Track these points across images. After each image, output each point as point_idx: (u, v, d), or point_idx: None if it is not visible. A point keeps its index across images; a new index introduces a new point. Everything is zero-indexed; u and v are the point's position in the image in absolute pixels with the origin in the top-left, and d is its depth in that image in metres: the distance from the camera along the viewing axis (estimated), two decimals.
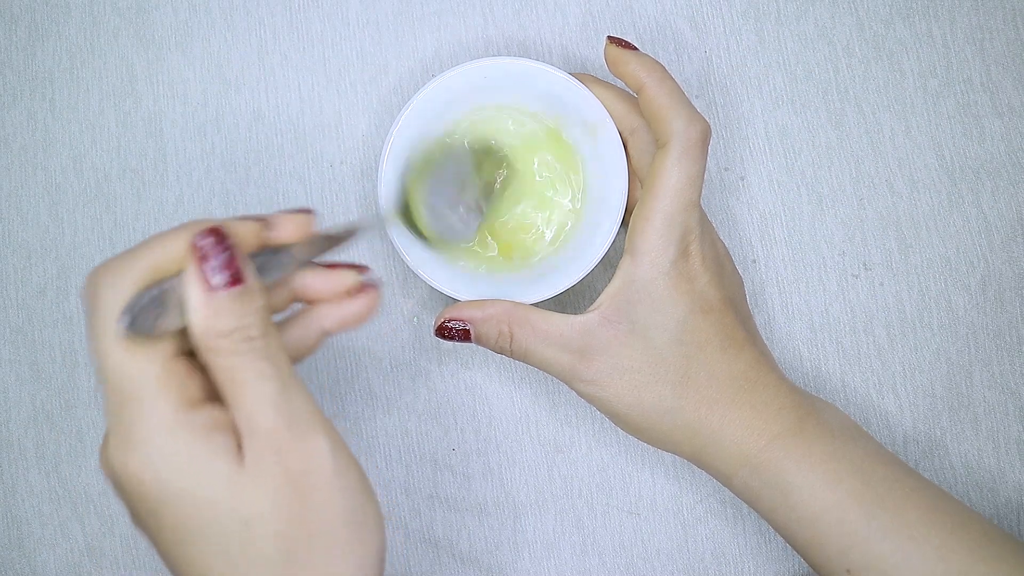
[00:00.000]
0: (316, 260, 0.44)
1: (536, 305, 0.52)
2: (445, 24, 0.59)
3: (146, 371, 0.38)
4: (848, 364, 0.58)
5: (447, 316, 0.52)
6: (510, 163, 0.54)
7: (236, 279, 0.38)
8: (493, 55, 0.59)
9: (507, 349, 0.51)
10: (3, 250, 0.59)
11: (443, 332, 0.52)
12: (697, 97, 0.59)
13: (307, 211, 0.43)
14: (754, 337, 0.52)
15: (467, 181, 0.53)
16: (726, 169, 0.59)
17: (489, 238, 0.54)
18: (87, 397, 0.58)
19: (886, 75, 0.59)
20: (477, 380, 0.58)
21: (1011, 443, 0.57)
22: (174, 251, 0.39)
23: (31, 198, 0.59)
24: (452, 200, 0.53)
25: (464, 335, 0.52)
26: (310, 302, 0.44)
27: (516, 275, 0.53)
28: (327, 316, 0.44)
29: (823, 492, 0.48)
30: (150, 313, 0.38)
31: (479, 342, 0.52)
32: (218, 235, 0.39)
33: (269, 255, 0.42)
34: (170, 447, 0.37)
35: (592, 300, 0.57)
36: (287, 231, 0.42)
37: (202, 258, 0.38)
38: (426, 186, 0.52)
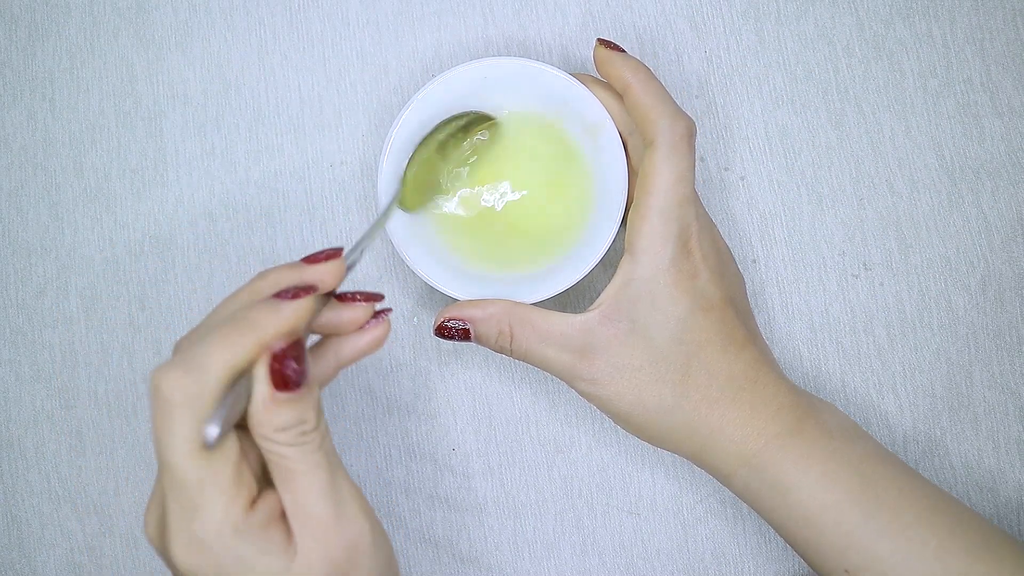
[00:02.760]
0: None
1: (536, 305, 0.52)
2: (445, 24, 0.59)
3: (219, 477, 0.39)
4: (848, 364, 0.58)
5: (447, 316, 0.52)
6: (498, 128, 0.54)
7: (302, 380, 0.40)
8: (493, 55, 0.59)
9: (507, 348, 0.51)
10: (3, 250, 0.59)
11: (443, 332, 0.52)
12: (697, 97, 0.59)
13: (336, 254, 0.44)
14: (755, 336, 0.52)
15: (450, 142, 0.53)
16: (726, 169, 0.59)
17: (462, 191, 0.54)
18: (87, 397, 0.58)
19: (886, 75, 0.59)
20: (477, 380, 0.58)
21: (1011, 443, 0.57)
22: (249, 350, 0.40)
23: (31, 198, 0.59)
24: (436, 164, 0.53)
25: (464, 335, 0.52)
26: (326, 335, 0.45)
27: (516, 275, 0.53)
28: (343, 348, 0.45)
29: (821, 492, 0.48)
30: (222, 412, 0.39)
31: (479, 342, 0.52)
32: (296, 345, 0.40)
33: None
34: (236, 549, 0.39)
35: (592, 300, 0.57)
36: (328, 284, 0.43)
37: (277, 366, 0.40)
38: (416, 160, 0.52)
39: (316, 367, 0.45)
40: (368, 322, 0.45)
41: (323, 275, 0.43)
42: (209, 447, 0.39)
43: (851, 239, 0.58)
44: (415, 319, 0.58)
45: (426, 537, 0.57)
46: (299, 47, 0.59)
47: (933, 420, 0.57)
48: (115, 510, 0.57)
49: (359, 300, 0.44)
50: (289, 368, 0.40)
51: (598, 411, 0.53)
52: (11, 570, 0.57)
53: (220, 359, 0.39)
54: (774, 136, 0.59)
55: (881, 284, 0.58)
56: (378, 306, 0.45)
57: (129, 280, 0.59)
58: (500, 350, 0.52)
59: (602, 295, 0.51)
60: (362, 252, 0.46)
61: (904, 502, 0.48)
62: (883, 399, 0.57)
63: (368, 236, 0.47)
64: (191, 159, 0.59)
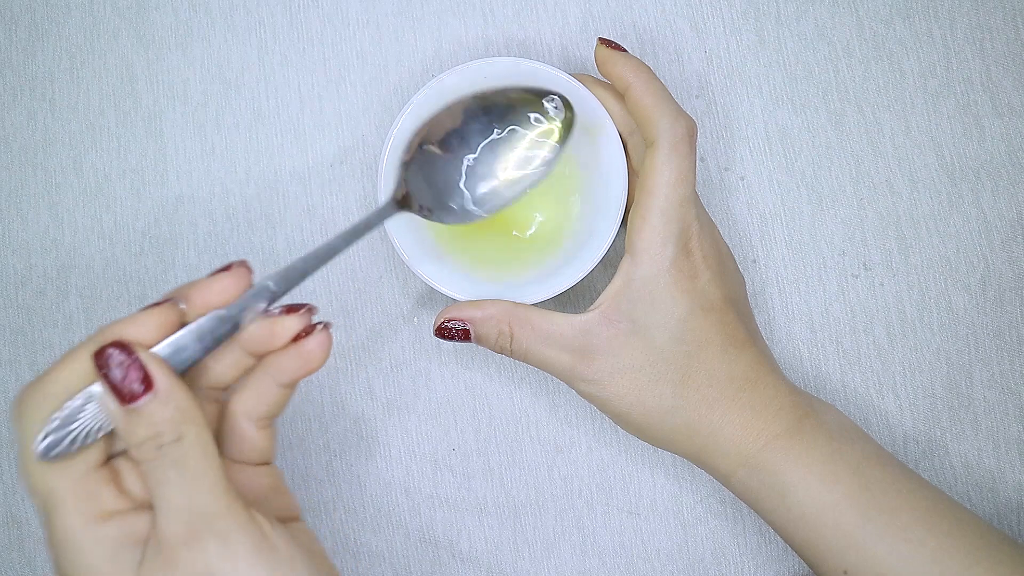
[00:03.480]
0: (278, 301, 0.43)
1: (536, 305, 0.52)
2: (445, 24, 0.59)
3: (57, 487, 0.39)
4: (848, 364, 0.58)
5: (446, 316, 0.52)
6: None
7: (146, 386, 0.39)
8: (493, 55, 0.59)
9: (507, 349, 0.51)
10: (3, 250, 0.59)
11: (443, 332, 0.52)
12: (697, 97, 0.59)
13: (233, 268, 0.42)
14: (755, 337, 0.52)
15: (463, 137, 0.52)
16: (726, 169, 0.59)
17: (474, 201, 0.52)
18: None
19: (886, 75, 0.59)
20: (477, 380, 0.58)
21: (1011, 443, 0.57)
22: (84, 368, 0.39)
23: (31, 198, 0.59)
24: (447, 165, 0.52)
25: (464, 335, 0.52)
26: (260, 356, 0.44)
27: (516, 275, 0.53)
28: (279, 370, 0.43)
29: (820, 493, 0.48)
30: (76, 426, 0.39)
31: (479, 342, 0.52)
32: (120, 347, 0.39)
33: (216, 319, 0.41)
34: (76, 559, 0.39)
35: (592, 300, 0.57)
36: (206, 301, 0.42)
37: (107, 375, 0.39)
38: (418, 161, 0.51)
39: (259, 390, 0.43)
40: (309, 331, 0.43)
41: (198, 291, 0.42)
42: (40, 459, 0.39)
43: (851, 239, 0.58)
44: (415, 319, 0.58)
45: (426, 537, 0.57)
46: (299, 47, 0.59)
47: (933, 420, 0.57)
48: None
49: (283, 313, 0.43)
50: (121, 374, 0.39)
51: (598, 411, 0.53)
52: (11, 570, 0.57)
53: (58, 376, 0.39)
54: (774, 136, 0.59)
55: (881, 284, 0.58)
56: (315, 319, 0.43)
57: (129, 280, 0.59)
58: (500, 351, 0.52)
59: (602, 295, 0.51)
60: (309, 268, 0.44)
61: (903, 504, 0.48)
62: (883, 399, 0.57)
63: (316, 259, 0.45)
64: (191, 159, 0.59)
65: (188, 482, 0.39)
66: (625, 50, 0.52)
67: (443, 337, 0.52)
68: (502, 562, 0.57)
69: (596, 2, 0.59)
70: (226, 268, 0.42)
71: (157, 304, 0.41)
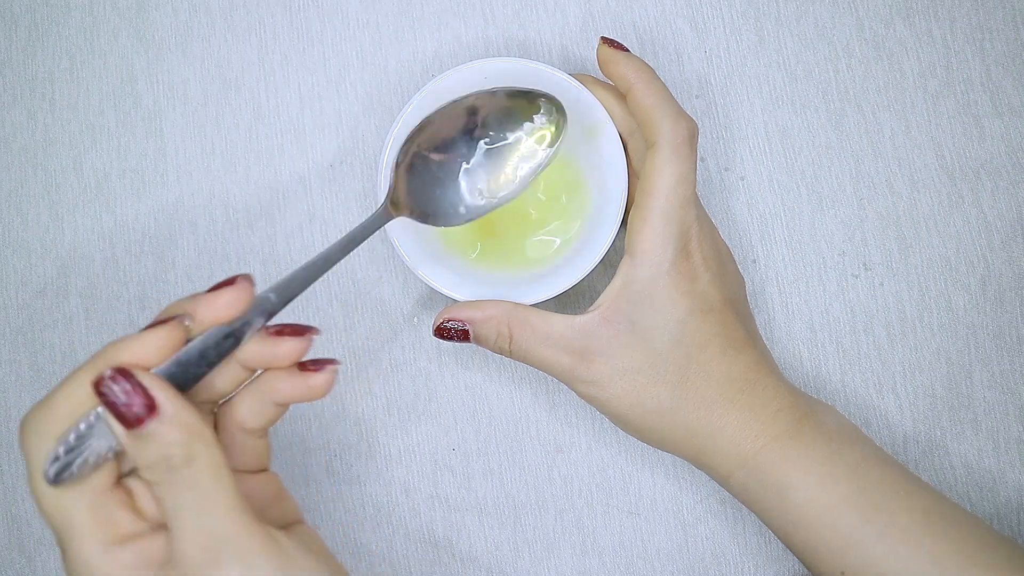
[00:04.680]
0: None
1: (536, 306, 0.52)
2: (445, 24, 0.59)
3: (72, 512, 0.39)
4: (848, 364, 0.58)
5: (446, 317, 0.52)
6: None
7: (150, 410, 0.38)
8: (493, 55, 0.59)
9: (506, 350, 0.51)
10: (3, 250, 0.59)
11: (442, 333, 0.52)
12: (697, 97, 0.59)
13: (237, 282, 0.42)
14: (754, 338, 0.52)
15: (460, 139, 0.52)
16: (726, 169, 0.59)
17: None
18: None
19: (886, 75, 0.59)
20: (477, 380, 0.58)
21: (1011, 443, 0.57)
22: (87, 392, 0.39)
23: (31, 198, 0.59)
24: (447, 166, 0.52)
25: (463, 336, 0.52)
26: (264, 369, 0.44)
27: (515, 275, 0.53)
28: (277, 391, 0.43)
29: (818, 494, 0.48)
30: (85, 448, 0.39)
31: (478, 343, 0.52)
32: (120, 373, 0.39)
33: (215, 335, 0.41)
34: None
35: (592, 300, 0.57)
36: (211, 316, 0.41)
37: (109, 401, 0.38)
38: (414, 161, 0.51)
39: (253, 403, 0.43)
40: (316, 368, 0.43)
41: (204, 306, 0.41)
42: (50, 483, 0.39)
43: (851, 239, 0.58)
44: (415, 319, 0.58)
45: (426, 537, 0.57)
46: (299, 47, 0.59)
47: (933, 420, 0.57)
48: None
49: (287, 334, 0.42)
50: (125, 399, 0.38)
51: (598, 411, 0.53)
52: (11, 570, 0.57)
53: (63, 400, 0.39)
54: (774, 136, 0.59)
55: (881, 284, 0.58)
56: (332, 358, 0.44)
57: (129, 280, 0.59)
58: (499, 351, 0.52)
59: (602, 296, 0.51)
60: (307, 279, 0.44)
61: (901, 505, 0.48)
62: (883, 399, 0.57)
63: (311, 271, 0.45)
64: (191, 159, 0.59)
65: (204, 505, 0.39)
66: (627, 50, 0.52)
67: (443, 337, 0.52)
68: (502, 562, 0.57)
69: (596, 2, 0.59)
70: (229, 282, 0.42)
71: (163, 322, 0.41)
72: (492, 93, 0.51)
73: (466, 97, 0.52)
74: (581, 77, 0.53)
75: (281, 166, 0.59)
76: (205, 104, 0.59)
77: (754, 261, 0.58)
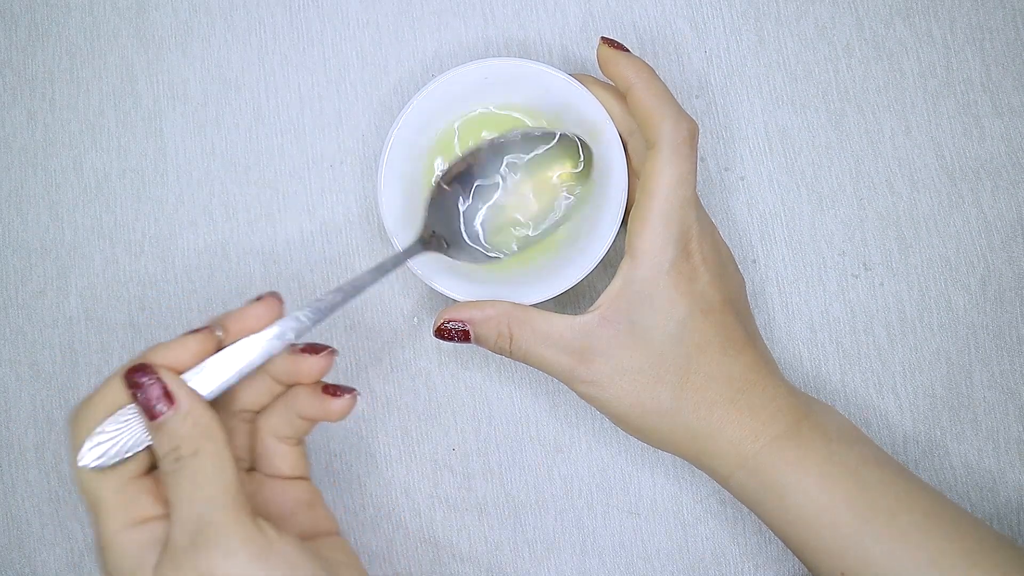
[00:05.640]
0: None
1: (536, 306, 0.52)
2: (445, 24, 0.59)
3: (102, 494, 0.44)
4: (848, 364, 0.58)
5: (446, 317, 0.52)
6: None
7: (168, 404, 0.43)
8: (493, 55, 0.59)
9: (507, 350, 0.51)
10: (3, 250, 0.59)
11: (442, 333, 0.52)
12: (697, 97, 0.59)
13: (265, 299, 0.47)
14: (754, 338, 0.52)
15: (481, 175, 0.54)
16: (726, 169, 0.59)
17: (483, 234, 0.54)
18: None
19: (886, 75, 0.59)
20: (477, 380, 0.58)
21: (1011, 443, 0.57)
22: (123, 390, 0.44)
23: (31, 198, 0.59)
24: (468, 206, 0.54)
25: (463, 336, 0.52)
26: (287, 384, 0.48)
27: (516, 275, 0.53)
28: (300, 405, 0.48)
29: (817, 495, 0.48)
30: (120, 439, 0.44)
31: (478, 343, 0.52)
32: (144, 369, 0.44)
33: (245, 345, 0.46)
34: (112, 559, 0.43)
35: (592, 301, 0.57)
36: (241, 328, 0.46)
37: (135, 394, 0.43)
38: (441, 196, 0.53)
39: (283, 415, 0.48)
40: (338, 394, 0.48)
41: (236, 320, 0.46)
42: (82, 467, 0.43)
43: (851, 239, 0.58)
44: (415, 319, 0.58)
45: (426, 537, 0.57)
46: (299, 47, 0.59)
47: (933, 420, 0.57)
48: None
49: (307, 352, 0.47)
50: (147, 392, 0.43)
51: (598, 411, 0.53)
52: (11, 570, 0.57)
53: (105, 394, 0.44)
54: (774, 136, 0.59)
55: (881, 284, 0.58)
56: (353, 387, 0.48)
57: (129, 280, 0.59)
58: (499, 351, 0.52)
59: (602, 296, 0.51)
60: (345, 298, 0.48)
61: (901, 506, 0.48)
62: (883, 399, 0.57)
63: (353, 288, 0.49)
64: (191, 159, 0.59)
65: (199, 493, 0.42)
66: (627, 50, 0.52)
67: (443, 338, 0.52)
68: (502, 562, 0.57)
69: (596, 2, 0.59)
70: (259, 299, 0.47)
71: (198, 331, 0.45)
72: (521, 134, 0.53)
73: (493, 139, 0.53)
74: (581, 77, 0.53)
75: (281, 166, 0.59)
76: (205, 104, 0.59)
77: (754, 261, 0.58)
